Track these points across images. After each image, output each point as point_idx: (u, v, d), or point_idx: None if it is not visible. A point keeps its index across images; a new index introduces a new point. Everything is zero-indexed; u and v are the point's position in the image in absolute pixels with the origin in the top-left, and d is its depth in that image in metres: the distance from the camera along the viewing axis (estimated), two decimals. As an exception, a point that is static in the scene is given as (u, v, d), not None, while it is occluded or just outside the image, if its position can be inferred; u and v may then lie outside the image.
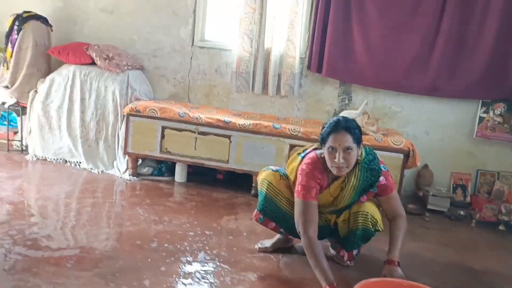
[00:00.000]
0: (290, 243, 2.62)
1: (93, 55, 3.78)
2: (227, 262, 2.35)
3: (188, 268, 2.24)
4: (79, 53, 3.83)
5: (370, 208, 2.33)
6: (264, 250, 2.54)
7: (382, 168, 2.30)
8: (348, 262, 2.44)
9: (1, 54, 4.06)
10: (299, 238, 2.26)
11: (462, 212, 3.53)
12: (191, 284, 2.09)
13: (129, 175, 3.64)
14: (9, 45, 3.91)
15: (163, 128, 3.54)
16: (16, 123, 4.13)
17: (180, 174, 3.70)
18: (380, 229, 2.35)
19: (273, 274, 2.31)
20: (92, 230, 2.56)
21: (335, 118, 2.28)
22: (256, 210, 2.46)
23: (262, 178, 2.46)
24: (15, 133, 4.15)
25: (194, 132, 3.50)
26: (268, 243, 2.57)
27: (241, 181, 3.70)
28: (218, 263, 2.33)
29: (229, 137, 3.47)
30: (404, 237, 2.29)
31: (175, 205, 3.15)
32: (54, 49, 3.94)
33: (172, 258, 2.31)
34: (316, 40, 3.81)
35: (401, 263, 2.20)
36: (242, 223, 2.95)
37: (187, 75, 4.19)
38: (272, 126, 3.45)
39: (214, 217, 2.98)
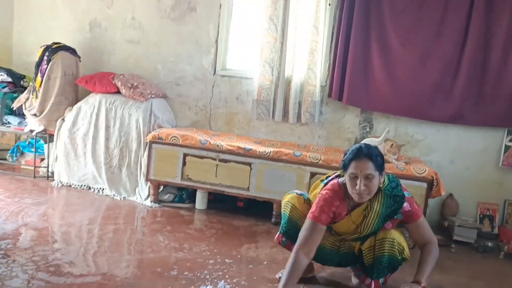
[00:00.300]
0: (312, 273, 2.57)
1: (119, 84, 3.89)
2: (247, 292, 2.32)
3: (208, 297, 2.22)
4: (105, 83, 3.95)
5: (396, 236, 2.28)
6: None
7: (406, 195, 2.26)
8: (375, 291, 2.38)
9: (31, 83, 4.22)
10: (321, 262, 2.41)
11: (490, 244, 3.41)
12: (211, 314, 2.06)
13: (151, 202, 3.67)
14: (39, 74, 4.07)
15: (185, 155, 3.58)
16: (43, 150, 4.25)
17: (200, 201, 3.71)
18: (407, 258, 2.30)
19: (294, 305, 2.26)
20: (114, 256, 2.58)
21: (357, 145, 2.28)
22: (278, 233, 2.47)
23: (286, 201, 2.47)
24: (42, 160, 4.25)
25: (215, 160, 3.52)
26: (289, 272, 2.53)
27: (261, 209, 3.68)
28: (238, 293, 2.30)
29: (249, 164, 3.48)
30: (433, 263, 2.25)
31: (195, 233, 3.14)
32: (81, 79, 4.07)
33: (192, 287, 2.29)
34: (337, 68, 3.83)
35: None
36: (262, 251, 2.92)
37: (208, 103, 4.26)
38: (293, 154, 3.45)
39: (234, 245, 2.96)
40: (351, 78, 3.79)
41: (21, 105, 4.22)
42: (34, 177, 4.05)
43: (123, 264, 2.49)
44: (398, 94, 3.75)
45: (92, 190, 3.87)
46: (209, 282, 2.37)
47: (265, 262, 2.74)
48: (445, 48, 3.64)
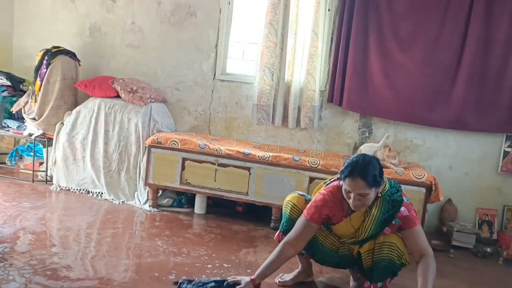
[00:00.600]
0: (310, 277, 2.57)
1: (118, 88, 3.90)
2: (245, 297, 2.30)
3: (206, 302, 2.21)
4: (105, 87, 3.95)
5: (396, 240, 2.27)
6: (284, 284, 2.51)
7: (405, 200, 2.26)
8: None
9: (30, 87, 4.22)
10: (320, 262, 2.44)
11: (488, 249, 3.41)
12: (209, 319, 2.05)
13: (149, 206, 3.66)
14: (38, 78, 4.06)
15: (184, 159, 3.58)
16: (42, 154, 4.24)
17: (199, 206, 3.70)
18: (407, 263, 2.28)
19: (292, 310, 2.26)
20: (112, 261, 2.57)
21: (354, 159, 2.21)
22: (279, 232, 2.48)
23: (287, 200, 2.49)
24: (41, 164, 4.25)
25: (214, 164, 3.52)
26: (288, 277, 2.54)
27: (260, 214, 3.68)
28: (236, 298, 2.29)
29: (248, 169, 3.47)
30: (434, 276, 2.16)
31: (194, 237, 3.14)
32: (81, 83, 4.07)
33: (190, 291, 2.29)
34: (337, 73, 3.84)
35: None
36: (261, 256, 2.91)
37: (208, 107, 4.26)
38: (292, 159, 3.45)
39: (233, 250, 2.95)
40: (351, 83, 3.80)
41: (20, 109, 4.22)
42: (33, 181, 4.04)
43: (121, 269, 2.48)
44: (397, 99, 3.75)
45: (90, 194, 3.86)
46: (207, 287, 2.36)
47: (264, 267, 2.72)
48: (444, 54, 3.65)
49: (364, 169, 2.15)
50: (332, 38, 3.94)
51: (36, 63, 4.11)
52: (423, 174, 3.27)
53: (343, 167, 2.22)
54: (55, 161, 3.99)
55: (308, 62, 3.86)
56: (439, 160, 3.86)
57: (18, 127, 4.23)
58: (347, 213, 2.31)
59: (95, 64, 4.45)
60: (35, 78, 4.09)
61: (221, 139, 4.01)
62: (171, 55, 4.30)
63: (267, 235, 3.33)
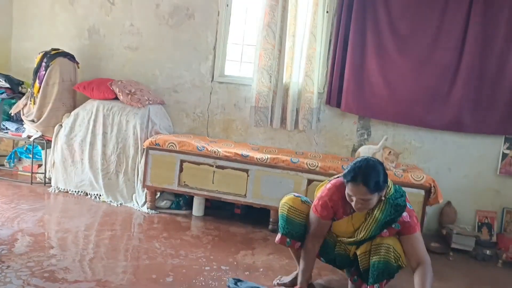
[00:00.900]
0: (309, 280, 2.56)
1: (116, 90, 3.89)
2: (243, 299, 2.30)
3: (203, 304, 2.20)
4: (103, 89, 3.95)
5: (393, 242, 2.26)
6: (282, 286, 2.50)
7: (408, 206, 2.25)
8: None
9: (29, 90, 4.22)
10: (322, 257, 2.49)
11: (488, 252, 3.40)
12: (206, 321, 2.05)
13: (147, 208, 3.66)
14: (37, 81, 4.06)
15: (182, 161, 3.57)
16: (40, 156, 4.24)
17: (197, 208, 3.70)
18: (403, 265, 2.27)
19: (290, 313, 2.25)
20: (109, 263, 2.56)
21: (358, 164, 2.18)
22: (280, 235, 2.46)
23: (283, 202, 2.49)
24: (39, 166, 4.24)
25: (212, 166, 3.52)
26: (286, 279, 2.54)
27: (258, 216, 3.67)
28: (233, 300, 2.28)
29: (246, 171, 3.47)
30: (431, 285, 2.14)
31: (192, 239, 3.13)
32: (79, 85, 4.07)
33: (187, 294, 2.28)
34: (335, 75, 3.85)
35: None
36: (259, 258, 2.90)
37: (206, 109, 4.26)
38: (290, 161, 3.44)
39: (230, 252, 2.94)
40: (349, 85, 3.80)
41: (19, 111, 4.22)
42: (31, 183, 4.03)
43: (119, 270, 2.48)
44: (396, 101, 3.75)
45: (89, 196, 3.85)
46: (204, 289, 2.36)
47: (261, 269, 2.72)
48: (442, 55, 3.65)
49: (367, 175, 2.13)
50: (330, 40, 3.94)
51: (35, 65, 4.10)
52: (422, 176, 3.26)
53: (346, 171, 2.20)
54: (54, 163, 3.98)
55: (306, 64, 3.86)
56: (438, 162, 3.86)
57: (16, 129, 4.23)
58: (350, 212, 2.31)
59: (94, 66, 4.45)
60: (34, 80, 4.09)
61: (219, 141, 4.01)
62: (169, 57, 4.30)
63: (265, 237, 3.33)
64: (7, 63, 4.66)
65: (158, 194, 3.78)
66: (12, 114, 4.32)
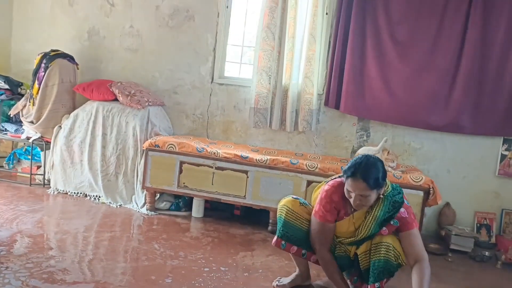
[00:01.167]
0: (308, 281, 2.57)
1: (116, 91, 3.90)
2: (242, 300, 2.30)
3: (203, 305, 2.20)
4: (103, 90, 3.95)
5: (392, 240, 2.27)
6: (281, 288, 2.50)
7: (405, 202, 2.27)
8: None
9: (28, 91, 4.22)
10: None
11: (487, 253, 3.40)
12: (205, 322, 2.05)
13: (147, 210, 3.65)
14: (36, 82, 4.06)
15: (181, 163, 3.57)
16: (39, 157, 4.23)
17: (197, 209, 3.69)
18: (403, 264, 2.28)
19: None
20: (109, 264, 2.56)
21: (358, 160, 2.22)
22: (276, 237, 2.45)
23: (282, 205, 2.48)
24: (38, 167, 4.24)
25: (212, 167, 3.52)
26: (286, 280, 2.53)
27: (258, 217, 3.67)
28: (233, 301, 2.28)
29: (246, 172, 3.47)
30: (429, 282, 2.15)
31: (191, 241, 3.13)
32: (79, 86, 4.07)
33: (187, 295, 2.28)
34: (334, 77, 3.85)
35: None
36: (258, 259, 2.90)
37: (206, 111, 4.26)
38: (290, 162, 3.44)
39: (230, 253, 2.94)
40: (348, 86, 3.80)
41: (18, 112, 4.21)
42: (30, 184, 4.03)
43: (118, 272, 2.47)
44: (395, 103, 3.76)
45: (88, 197, 3.85)
46: (204, 290, 2.36)
47: (261, 270, 2.72)
48: (441, 58, 3.66)
49: (367, 171, 2.16)
50: (329, 42, 3.95)
51: (34, 67, 4.10)
52: (421, 178, 3.27)
53: (346, 167, 2.23)
54: (53, 165, 3.98)
55: (305, 66, 3.87)
56: (437, 163, 3.86)
57: (16, 130, 4.23)
58: (350, 211, 2.31)
59: (93, 68, 4.45)
60: (33, 82, 4.09)
61: (219, 142, 4.01)
62: (169, 59, 4.31)
63: (265, 239, 3.33)
64: (6, 64, 4.66)
65: (158, 195, 3.78)
66: (11, 116, 4.31)
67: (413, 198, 3.17)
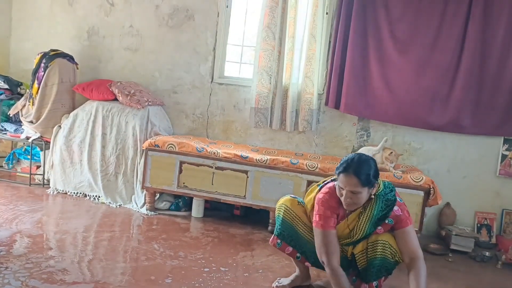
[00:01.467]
0: (308, 281, 2.56)
1: (116, 91, 3.89)
2: (242, 300, 2.30)
3: (202, 306, 2.20)
4: (102, 90, 3.95)
5: (389, 238, 2.27)
6: (281, 289, 2.49)
7: (398, 200, 2.27)
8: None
9: (28, 90, 4.21)
10: (315, 265, 2.36)
11: (487, 253, 3.39)
12: (205, 323, 2.04)
13: (147, 210, 3.65)
14: (36, 81, 4.05)
15: (181, 162, 3.56)
16: (39, 157, 4.23)
17: (197, 209, 3.69)
18: (400, 261, 2.28)
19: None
20: (108, 264, 2.55)
21: (351, 156, 2.25)
22: (273, 235, 2.46)
23: (280, 204, 2.49)
24: (38, 167, 4.23)
25: (212, 167, 3.51)
26: (285, 281, 2.52)
27: (258, 217, 3.67)
28: (233, 301, 2.28)
29: (246, 172, 3.46)
30: (425, 280, 2.15)
31: (191, 241, 3.12)
32: (78, 86, 4.07)
33: (187, 295, 2.27)
34: (334, 76, 3.84)
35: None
36: (258, 259, 2.89)
37: (206, 110, 4.25)
38: (290, 162, 3.44)
39: (230, 253, 2.94)
40: (348, 86, 3.79)
41: (18, 112, 4.21)
42: (30, 184, 4.02)
43: (118, 272, 2.47)
44: (395, 103, 3.75)
45: (88, 197, 3.84)
46: (204, 291, 2.35)
47: (261, 271, 2.72)
48: (442, 57, 3.66)
49: (359, 167, 2.17)
50: (330, 41, 3.94)
51: (34, 66, 4.09)
52: (421, 178, 3.26)
53: (338, 164, 2.25)
54: (52, 164, 3.97)
55: (306, 65, 3.86)
56: (437, 163, 3.86)
57: (15, 130, 4.22)
58: (345, 214, 2.30)
59: (93, 67, 4.44)
60: (33, 81, 4.08)
61: (219, 142, 4.00)
62: (169, 58, 4.30)
63: (265, 239, 3.32)
64: (6, 64, 4.65)
65: (158, 195, 3.78)
66: (10, 115, 4.31)
67: (413, 198, 3.17)
